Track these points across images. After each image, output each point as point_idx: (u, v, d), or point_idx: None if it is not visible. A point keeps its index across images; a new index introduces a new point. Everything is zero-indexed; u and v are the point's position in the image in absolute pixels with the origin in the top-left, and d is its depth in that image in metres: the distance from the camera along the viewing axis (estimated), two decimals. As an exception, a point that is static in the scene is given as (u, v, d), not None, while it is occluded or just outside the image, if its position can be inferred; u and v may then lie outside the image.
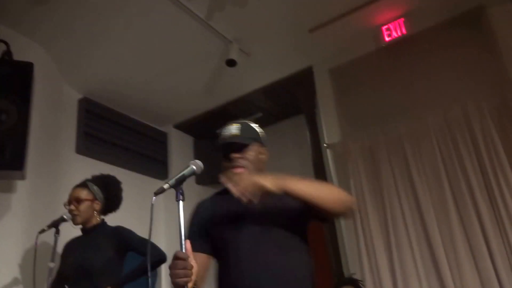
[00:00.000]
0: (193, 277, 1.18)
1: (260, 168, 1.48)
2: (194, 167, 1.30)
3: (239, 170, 1.41)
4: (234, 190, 1.20)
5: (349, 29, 3.23)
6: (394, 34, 3.17)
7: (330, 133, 3.37)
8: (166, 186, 1.22)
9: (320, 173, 3.41)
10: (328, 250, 3.19)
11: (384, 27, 3.23)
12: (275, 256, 1.31)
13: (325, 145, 3.36)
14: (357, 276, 2.74)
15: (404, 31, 3.15)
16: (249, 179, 1.23)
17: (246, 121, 1.55)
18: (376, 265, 2.80)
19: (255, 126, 1.55)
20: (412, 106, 3.06)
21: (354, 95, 3.37)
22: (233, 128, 1.49)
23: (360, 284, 2.61)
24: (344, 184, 3.13)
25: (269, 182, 1.23)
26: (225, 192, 1.46)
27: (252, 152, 1.46)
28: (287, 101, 3.93)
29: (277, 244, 1.33)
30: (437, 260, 2.64)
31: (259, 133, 1.54)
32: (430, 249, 2.68)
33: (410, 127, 3.00)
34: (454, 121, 2.86)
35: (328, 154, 3.32)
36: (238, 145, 1.45)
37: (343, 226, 3.09)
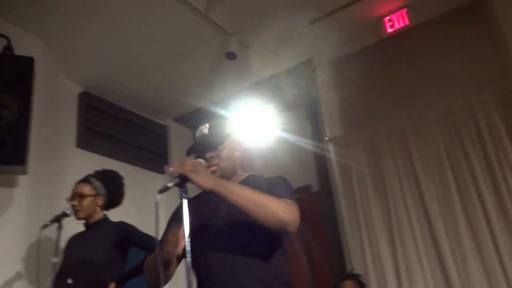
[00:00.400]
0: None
1: (237, 164, 1.51)
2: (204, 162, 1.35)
3: (212, 169, 1.43)
4: (171, 169, 1.25)
5: (351, 21, 3.20)
6: (397, 25, 3.13)
7: (331, 126, 3.36)
8: (170, 184, 1.23)
9: (322, 167, 3.40)
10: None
11: (386, 18, 3.19)
12: (242, 273, 1.30)
13: (326, 138, 3.34)
14: (359, 271, 2.73)
15: (407, 22, 3.11)
16: (190, 165, 1.25)
17: (219, 119, 1.56)
18: (380, 260, 2.79)
19: (229, 123, 1.56)
20: (415, 98, 3.03)
21: (356, 87, 3.33)
22: (203, 128, 1.51)
23: (362, 279, 2.59)
24: (346, 178, 3.12)
25: (202, 177, 1.24)
26: (198, 196, 1.48)
27: (225, 150, 1.48)
28: (287, 94, 3.91)
29: (242, 256, 1.32)
30: (441, 254, 2.62)
31: (233, 130, 1.54)
32: (435, 243, 2.66)
33: (413, 119, 2.97)
34: (458, 113, 2.82)
35: (330, 148, 3.31)
36: (209, 145, 1.47)
37: (346, 221, 3.08)
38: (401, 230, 2.79)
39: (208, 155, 1.46)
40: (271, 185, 1.41)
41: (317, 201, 3.41)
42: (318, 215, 3.34)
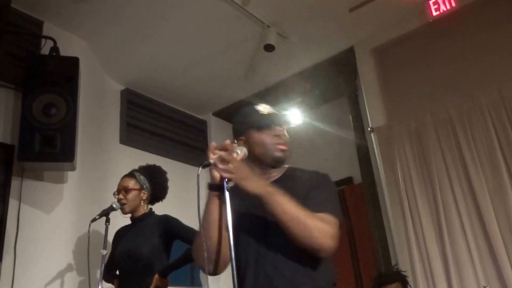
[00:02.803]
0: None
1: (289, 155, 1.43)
2: (245, 150, 1.29)
3: (282, 147, 1.36)
4: (220, 166, 1.19)
5: (393, 5, 3.07)
6: (443, 8, 2.98)
7: (374, 116, 3.26)
8: (212, 161, 1.20)
9: (364, 159, 3.31)
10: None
11: (431, 1, 3.03)
12: (289, 272, 1.24)
13: (369, 129, 3.24)
14: (405, 265, 2.61)
15: (453, 4, 2.95)
16: (241, 169, 1.20)
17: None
18: (427, 255, 2.68)
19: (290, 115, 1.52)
20: (463, 84, 2.87)
21: (399, 75, 3.21)
22: (267, 107, 1.45)
23: (405, 277, 2.45)
24: (390, 170, 3.02)
25: (251, 183, 1.18)
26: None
27: (287, 136, 1.42)
28: (328, 84, 3.82)
29: (289, 255, 1.25)
30: (494, 250, 2.48)
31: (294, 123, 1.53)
32: (486, 238, 2.53)
33: (461, 106, 2.82)
34: (511, 99, 2.64)
35: (373, 138, 3.21)
36: (286, 121, 1.42)
37: (390, 215, 2.98)
38: (450, 224, 2.67)
39: (282, 130, 1.40)
40: (313, 188, 1.31)
41: (361, 193, 3.32)
42: (362, 208, 3.25)
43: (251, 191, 1.19)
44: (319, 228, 1.19)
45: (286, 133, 1.41)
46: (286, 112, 1.47)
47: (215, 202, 1.25)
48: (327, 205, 1.26)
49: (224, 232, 1.26)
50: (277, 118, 1.42)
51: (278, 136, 1.38)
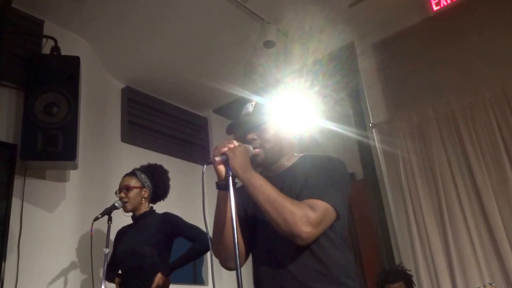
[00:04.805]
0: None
1: (285, 145, 1.37)
2: (251, 148, 1.29)
3: (257, 152, 1.32)
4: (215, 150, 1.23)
5: (392, 0, 3.05)
6: (443, 2, 2.95)
7: (375, 112, 3.25)
8: (217, 158, 1.21)
9: (366, 155, 3.30)
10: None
11: (431, -5, 3.02)
12: (299, 265, 1.22)
13: (370, 124, 3.23)
14: (408, 262, 2.60)
15: (454, -3, 2.93)
16: (236, 148, 1.22)
17: (266, 99, 1.44)
18: (431, 252, 2.68)
19: (277, 103, 1.43)
20: (465, 79, 2.86)
21: (400, 70, 3.19)
22: (249, 106, 1.39)
23: (409, 276, 2.42)
24: (392, 166, 3.01)
25: (235, 161, 1.19)
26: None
27: (270, 131, 1.34)
28: (328, 80, 3.81)
29: (300, 248, 1.21)
30: (498, 246, 2.47)
31: (281, 109, 1.40)
32: (490, 233, 2.52)
33: (463, 101, 2.81)
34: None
35: (374, 134, 3.20)
36: (252, 125, 1.34)
37: (393, 211, 2.98)
38: (453, 220, 2.66)
39: (249, 136, 1.33)
40: (313, 175, 1.26)
41: (363, 189, 3.32)
42: (364, 204, 3.25)
43: (233, 170, 1.20)
44: (294, 212, 1.14)
45: (262, 133, 1.34)
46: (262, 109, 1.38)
47: (226, 201, 1.24)
48: (318, 191, 1.20)
49: (239, 227, 1.27)
50: (240, 125, 1.38)
51: (249, 141, 1.35)
